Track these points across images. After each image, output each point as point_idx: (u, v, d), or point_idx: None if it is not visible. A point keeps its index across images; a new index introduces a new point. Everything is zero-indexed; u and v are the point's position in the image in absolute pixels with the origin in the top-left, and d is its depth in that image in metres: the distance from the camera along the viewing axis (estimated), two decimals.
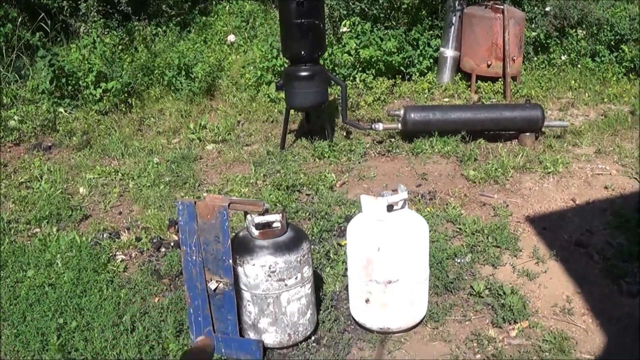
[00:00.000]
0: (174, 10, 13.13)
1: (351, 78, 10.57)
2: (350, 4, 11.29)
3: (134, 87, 10.28)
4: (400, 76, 10.83)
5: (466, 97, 10.27)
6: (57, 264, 5.97)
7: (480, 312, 5.24)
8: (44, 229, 6.74)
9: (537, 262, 5.90)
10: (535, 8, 11.39)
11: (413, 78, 10.85)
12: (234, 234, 4.84)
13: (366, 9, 11.28)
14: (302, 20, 7.64)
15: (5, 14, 11.37)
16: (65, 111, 9.76)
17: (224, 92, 10.59)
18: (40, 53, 9.70)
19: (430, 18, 11.39)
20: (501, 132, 8.61)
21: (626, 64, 11.01)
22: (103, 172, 7.97)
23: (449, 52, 10.77)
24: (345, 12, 11.29)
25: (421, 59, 10.96)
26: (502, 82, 10.36)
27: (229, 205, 4.52)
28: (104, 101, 9.83)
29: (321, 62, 8.61)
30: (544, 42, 11.42)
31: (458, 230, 6.46)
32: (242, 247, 4.61)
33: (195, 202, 4.56)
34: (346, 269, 5.31)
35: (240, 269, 4.60)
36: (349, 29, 10.90)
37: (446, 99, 10.28)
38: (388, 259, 4.64)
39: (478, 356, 4.78)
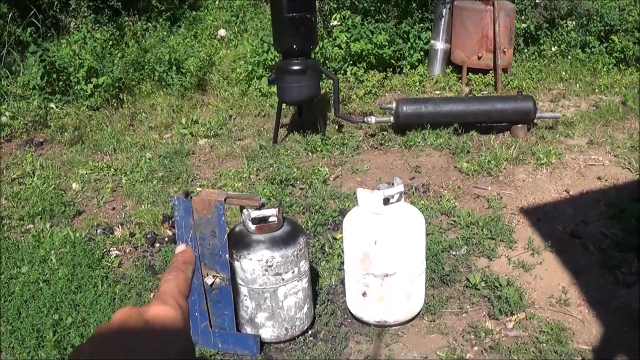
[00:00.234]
0: (163, 5, 13.07)
1: (342, 71, 10.56)
2: None
3: (125, 82, 10.24)
4: (391, 69, 10.82)
5: (457, 90, 10.28)
6: (51, 260, 5.96)
7: (476, 304, 5.25)
8: (38, 225, 6.72)
9: (532, 253, 5.92)
10: (525, 0, 11.40)
11: (404, 71, 10.84)
12: (229, 228, 4.84)
13: (356, 2, 11.28)
14: (294, 14, 7.63)
15: None
16: (57, 107, 9.72)
17: (215, 87, 10.57)
18: (31, 49, 9.65)
19: (420, 11, 11.38)
20: (493, 124, 8.61)
21: (616, 55, 11.04)
22: (95, 168, 7.95)
23: (440, 45, 10.77)
24: (335, 6, 11.27)
25: (412, 51, 10.95)
26: (493, 74, 10.37)
27: (225, 199, 4.51)
28: (95, 96, 9.80)
29: (312, 55, 8.59)
30: (534, 33, 11.43)
31: (452, 222, 6.47)
32: (238, 242, 4.61)
33: (191, 197, 4.55)
34: (342, 263, 5.32)
35: (237, 264, 4.60)
36: (339, 23, 10.88)
37: (437, 92, 10.28)
38: (385, 252, 4.64)
39: (475, 348, 4.79)
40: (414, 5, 11.35)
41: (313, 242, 6.15)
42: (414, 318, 5.06)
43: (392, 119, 8.48)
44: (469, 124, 8.49)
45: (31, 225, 6.76)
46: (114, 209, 7.16)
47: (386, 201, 4.63)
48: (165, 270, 5.05)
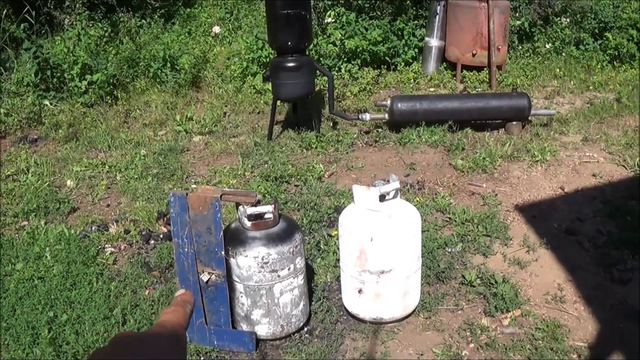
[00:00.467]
0: (158, 2, 13.05)
1: (336, 68, 10.56)
2: None
3: (119, 79, 10.23)
4: (386, 66, 10.82)
5: (452, 87, 10.29)
6: (46, 257, 5.94)
7: (472, 302, 5.25)
8: (32, 222, 6.71)
9: (527, 250, 5.92)
10: None
11: (398, 68, 10.85)
12: (225, 225, 4.83)
13: None
14: (289, 11, 7.63)
15: None
16: (51, 104, 9.71)
17: (209, 84, 10.56)
18: (25, 45, 9.64)
19: (414, 8, 11.38)
20: (488, 121, 8.61)
21: (610, 52, 11.06)
22: (90, 165, 7.93)
23: (434, 42, 10.76)
24: (329, 3, 11.27)
25: (406, 48, 10.95)
26: (487, 72, 10.38)
27: (221, 196, 4.50)
28: (90, 93, 9.78)
29: (307, 52, 8.59)
30: (529, 30, 11.43)
31: (448, 219, 6.47)
32: (234, 239, 4.60)
33: (187, 194, 4.54)
34: (337, 260, 5.32)
35: (232, 261, 4.59)
36: (333, 20, 10.88)
37: (432, 89, 10.28)
38: (381, 249, 4.64)
39: (471, 345, 4.79)
40: (408, 2, 11.34)
41: (308, 239, 6.15)
42: (409, 315, 5.06)
43: (386, 116, 8.47)
44: (463, 121, 8.49)
45: (26, 222, 6.75)
46: (108, 205, 7.14)
47: (382, 198, 4.63)
48: (159, 267, 5.07)
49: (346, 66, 10.51)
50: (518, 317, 5.03)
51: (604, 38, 11.21)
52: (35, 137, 8.97)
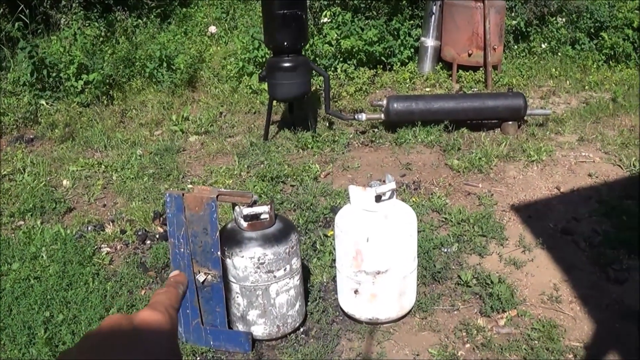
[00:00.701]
0: (154, 2, 13.05)
1: (332, 68, 10.57)
2: None
3: (116, 79, 10.22)
4: (382, 66, 10.84)
5: (448, 87, 10.30)
6: (42, 256, 5.94)
7: (468, 302, 5.26)
8: (28, 222, 6.70)
9: (523, 250, 5.93)
10: None
11: (394, 68, 10.86)
12: (221, 225, 4.83)
13: None
14: (285, 11, 7.62)
15: None
16: (47, 103, 9.70)
17: (205, 84, 10.56)
18: (20, 44, 9.64)
19: (410, 8, 11.39)
20: (484, 121, 8.62)
21: (606, 51, 11.09)
22: (86, 165, 7.93)
23: (430, 42, 10.78)
24: (325, 3, 11.26)
25: (402, 48, 10.96)
26: (483, 71, 10.39)
27: (217, 197, 4.50)
28: (86, 93, 9.77)
29: (303, 52, 8.59)
30: (525, 30, 11.46)
31: (444, 219, 6.48)
32: (230, 239, 4.60)
33: (183, 194, 4.55)
34: (333, 260, 5.32)
35: (228, 261, 4.59)
36: (329, 20, 10.88)
37: (428, 89, 10.29)
38: (377, 249, 4.64)
39: (467, 345, 4.79)
40: (404, 2, 11.34)
41: (304, 239, 6.15)
42: (405, 315, 5.07)
43: (382, 116, 8.49)
44: (459, 121, 8.50)
45: (22, 222, 6.75)
46: (104, 205, 7.14)
47: (378, 198, 4.63)
48: (155, 267, 5.06)
49: (342, 66, 10.52)
50: (514, 317, 5.04)
51: (600, 38, 11.24)
52: (31, 136, 8.96)
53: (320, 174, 7.53)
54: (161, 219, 6.56)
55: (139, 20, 12.42)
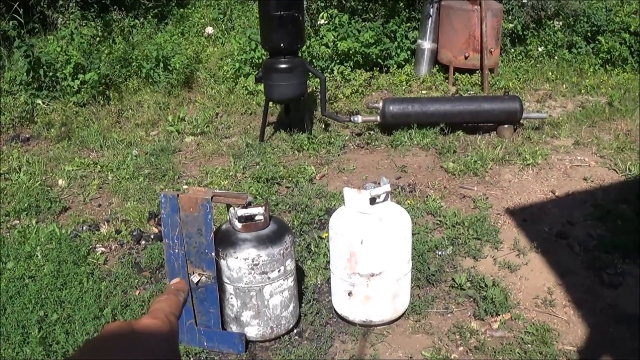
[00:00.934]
0: (151, 2, 13.04)
1: (329, 70, 10.57)
2: None
3: (112, 79, 10.22)
4: (378, 68, 10.83)
5: (444, 89, 10.30)
6: (37, 256, 5.94)
7: (462, 305, 5.27)
8: (23, 221, 6.70)
9: (518, 254, 5.94)
10: (512, 0, 11.42)
11: (391, 70, 10.86)
12: (216, 226, 4.83)
13: (343, 1, 11.28)
14: (282, 12, 7.62)
15: None
16: (43, 103, 9.69)
17: (202, 85, 10.55)
18: (16, 44, 9.63)
19: (407, 10, 11.39)
20: (480, 124, 8.63)
21: (603, 55, 11.07)
22: (82, 164, 7.92)
23: (427, 44, 10.78)
24: (322, 4, 11.27)
25: (399, 51, 10.95)
26: (479, 74, 10.40)
27: (212, 198, 4.51)
28: (82, 93, 9.76)
29: (300, 54, 8.59)
30: (521, 33, 11.45)
31: (438, 222, 6.48)
32: (224, 240, 4.60)
33: (177, 195, 4.55)
34: (328, 262, 5.33)
35: (223, 262, 4.60)
36: (326, 21, 10.88)
37: (424, 91, 10.30)
38: (371, 251, 4.65)
39: (460, 348, 4.80)
40: (401, 4, 11.35)
41: (299, 241, 6.15)
42: (399, 318, 5.07)
43: (378, 118, 8.48)
44: (455, 123, 8.50)
45: (17, 221, 6.74)
46: (100, 205, 7.14)
47: (373, 201, 4.63)
48: (150, 267, 5.07)
49: (338, 68, 10.52)
50: (508, 321, 5.05)
51: (597, 41, 11.23)
52: (27, 136, 8.96)
53: (316, 175, 7.53)
54: (156, 219, 6.56)
55: (136, 21, 12.41)
